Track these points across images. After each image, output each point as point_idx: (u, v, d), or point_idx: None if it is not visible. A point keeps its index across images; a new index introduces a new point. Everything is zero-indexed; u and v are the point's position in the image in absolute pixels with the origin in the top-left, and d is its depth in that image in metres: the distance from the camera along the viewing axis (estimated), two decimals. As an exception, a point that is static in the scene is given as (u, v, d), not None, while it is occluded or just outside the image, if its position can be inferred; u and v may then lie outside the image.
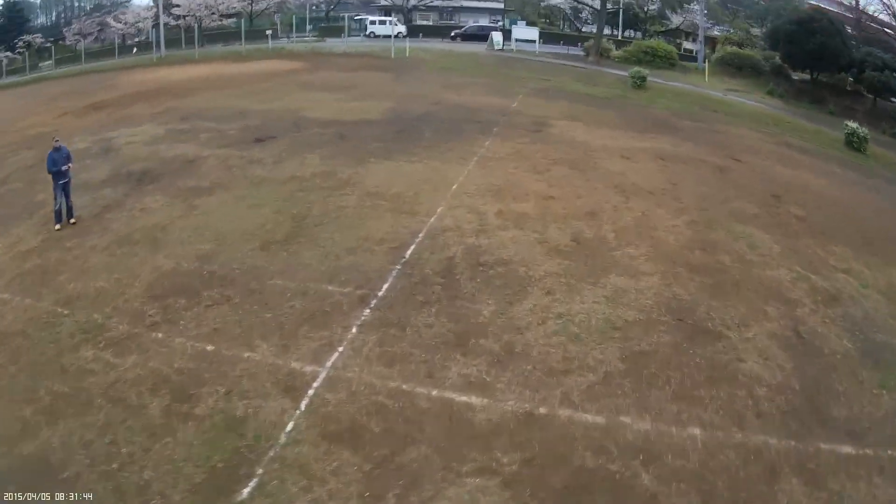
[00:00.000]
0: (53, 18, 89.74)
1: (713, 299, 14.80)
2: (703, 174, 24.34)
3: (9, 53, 69.59)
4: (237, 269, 15.35)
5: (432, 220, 17.76)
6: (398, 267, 15.30)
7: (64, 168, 18.04)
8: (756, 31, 65.99)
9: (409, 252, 15.97)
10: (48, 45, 68.99)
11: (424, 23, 70.48)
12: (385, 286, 14.53)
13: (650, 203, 20.19)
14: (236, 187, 20.51)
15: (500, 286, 14.51)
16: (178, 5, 60.80)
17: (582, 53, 56.01)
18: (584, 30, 71.79)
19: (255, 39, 58.00)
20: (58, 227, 17.98)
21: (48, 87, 51.03)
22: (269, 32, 56.86)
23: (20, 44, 70.23)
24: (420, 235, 16.83)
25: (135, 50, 62.54)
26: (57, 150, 18.12)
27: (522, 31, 57.38)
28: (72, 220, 18.27)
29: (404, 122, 28.57)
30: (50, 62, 64.12)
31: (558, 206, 19.23)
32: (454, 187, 20.20)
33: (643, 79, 43.35)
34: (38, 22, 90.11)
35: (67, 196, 18.33)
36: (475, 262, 15.47)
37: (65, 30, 74.20)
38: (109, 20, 67.08)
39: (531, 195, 19.92)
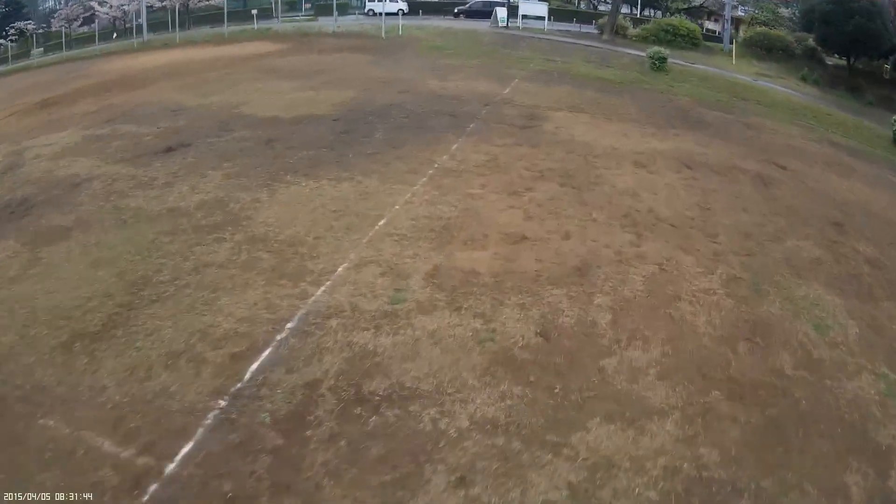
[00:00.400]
0: (63, 2, 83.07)
1: (766, 472, 7.82)
2: (741, 190, 17.26)
3: (1, 41, 63.37)
4: (16, 392, 8.82)
5: (320, 291, 10.86)
6: (222, 404, 8.41)
7: None
8: (784, 11, 57.45)
9: (254, 366, 9.07)
10: (40, 31, 62.31)
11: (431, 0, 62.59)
12: (185, 450, 7.70)
13: (672, 245, 13.26)
14: (98, 228, 13.84)
15: (376, 462, 7.56)
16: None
17: (596, 32, 48.06)
18: (600, 8, 63.20)
19: (246, 20, 50.82)
20: None
21: (23, 79, 44.97)
22: (254, 12, 49.80)
23: (12, 31, 63.87)
24: (288, 326, 9.94)
25: (115, 35, 55.89)
26: None
27: (530, 7, 49.46)
28: None
29: (357, 118, 21.65)
30: (39, 50, 57.65)
31: (530, 256, 12.28)
32: (380, 224, 13.39)
33: (663, 60, 35.80)
34: (47, 5, 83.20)
35: None
36: (354, 396, 8.54)
37: (53, 16, 67.56)
38: (94, 4, 59.92)
39: (493, 236, 13.06)
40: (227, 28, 49.02)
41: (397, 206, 14.17)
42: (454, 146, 18.54)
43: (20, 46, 61.36)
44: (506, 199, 14.87)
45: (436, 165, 16.83)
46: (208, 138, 19.88)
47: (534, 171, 16.91)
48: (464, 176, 16.17)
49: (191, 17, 54.86)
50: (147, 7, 53.63)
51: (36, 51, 58.29)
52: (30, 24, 64.75)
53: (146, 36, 51.24)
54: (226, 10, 50.72)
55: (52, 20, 64.83)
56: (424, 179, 15.81)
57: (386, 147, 18.36)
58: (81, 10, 59.66)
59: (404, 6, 54.58)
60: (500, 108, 23.56)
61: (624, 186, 16.24)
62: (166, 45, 47.39)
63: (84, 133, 22.03)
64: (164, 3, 53.40)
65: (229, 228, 13.44)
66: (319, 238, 12.71)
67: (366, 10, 55.23)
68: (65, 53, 54.36)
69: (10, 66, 56.29)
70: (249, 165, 17.11)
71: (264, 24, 49.96)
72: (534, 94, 26.63)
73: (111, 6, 56.97)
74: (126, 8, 55.56)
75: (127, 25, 56.35)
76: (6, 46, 62.13)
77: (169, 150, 19.02)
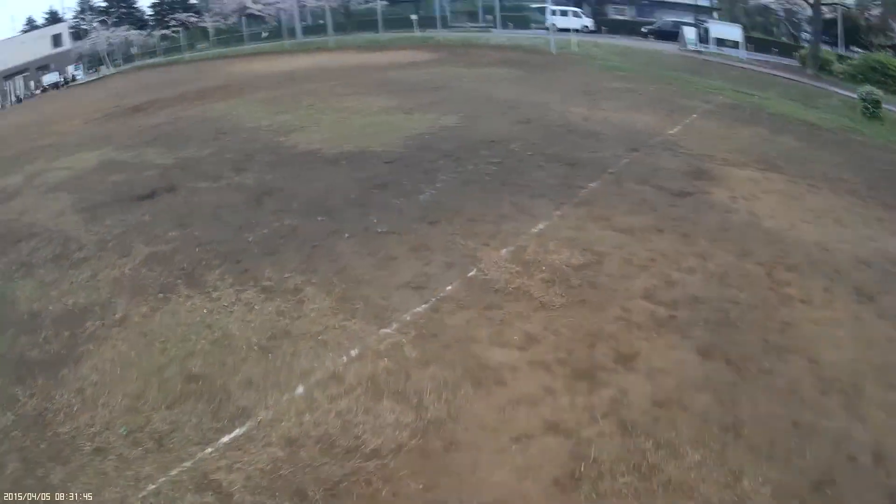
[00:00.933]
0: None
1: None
2: None
3: (165, 32, 60.77)
4: None
5: None
6: None
7: None
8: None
9: None
10: (203, 25, 58.70)
11: (620, 17, 52.99)
12: None
13: None
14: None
15: None
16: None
17: (797, 65, 36.89)
18: (801, 39, 50.48)
19: (413, 26, 44.28)
20: None
21: (150, 76, 43.63)
22: (413, 17, 43.13)
23: (173, 23, 61.07)
24: None
25: (263, 34, 51.35)
26: None
27: (722, 29, 39.04)
28: None
29: (422, 161, 14.03)
30: (204, 44, 54.39)
31: None
32: (223, 440, 6.10)
33: (877, 104, 24.50)
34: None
35: None
36: None
37: (206, 12, 64.02)
38: (247, 1, 55.40)
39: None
40: (383, 34, 42.84)
41: (300, 391, 6.59)
42: (538, 226, 10.38)
43: (185, 39, 58.56)
44: (558, 395, 6.60)
45: (470, 273, 8.85)
46: (203, 182, 13.96)
47: (661, 301, 8.37)
48: (506, 306, 8.05)
49: (353, 21, 48.82)
50: (302, 7, 48.52)
51: (201, 45, 55.05)
52: (191, 16, 61.81)
53: (300, 37, 46.35)
54: (380, 16, 44.47)
55: (206, 15, 61.41)
56: (420, 309, 7.96)
57: (417, 221, 10.64)
58: (236, 6, 55.17)
59: (589, 23, 46.45)
60: (652, 157, 14.75)
61: (836, 362, 7.39)
62: (317, 49, 42.72)
63: (107, 156, 18.04)
64: (320, 3, 47.70)
65: (39, 383, 7.44)
66: (100, 455, 6.07)
67: (547, 25, 47.19)
68: (213, 51, 51.11)
69: (158, 59, 54.86)
70: (192, 241, 10.67)
71: (430, 33, 43.29)
72: (712, 136, 17.43)
73: (265, 3, 52.04)
74: (281, 6, 50.35)
75: (291, 25, 51.11)
76: (174, 37, 59.67)
77: (151, 195, 13.65)
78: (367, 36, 44.06)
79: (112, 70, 57.70)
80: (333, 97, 22.26)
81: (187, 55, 51.48)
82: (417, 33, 42.19)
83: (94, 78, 54.79)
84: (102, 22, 67.38)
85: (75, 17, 72.62)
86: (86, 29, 68.84)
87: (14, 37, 63.46)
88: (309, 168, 13.91)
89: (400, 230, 10.18)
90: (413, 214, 10.84)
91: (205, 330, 7.76)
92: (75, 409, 6.74)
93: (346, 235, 10.11)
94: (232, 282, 8.91)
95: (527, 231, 10.12)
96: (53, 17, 72.19)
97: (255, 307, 8.18)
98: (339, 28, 46.82)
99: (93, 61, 61.82)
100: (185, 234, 10.97)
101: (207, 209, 12.08)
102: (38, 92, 55.40)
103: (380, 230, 10.24)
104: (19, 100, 54.05)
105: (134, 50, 59.14)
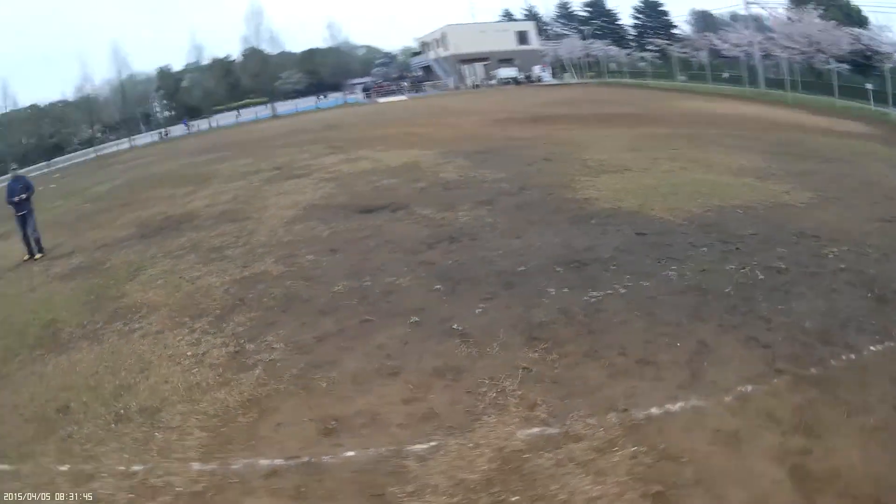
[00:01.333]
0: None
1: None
2: None
3: (644, 55, 58.55)
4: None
5: None
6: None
7: (16, 199, 13.28)
8: None
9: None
10: (678, 55, 55.19)
11: None
12: None
13: None
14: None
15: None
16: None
17: None
18: None
19: (877, 101, 35.35)
20: (26, 257, 13.20)
21: (599, 92, 43.97)
22: (868, 87, 34.47)
23: (651, 47, 58.58)
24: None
25: (724, 75, 46.17)
26: (16, 179, 13.79)
27: None
28: (36, 256, 13.19)
29: (685, 240, 9.73)
30: (682, 77, 51.73)
31: None
32: None
33: None
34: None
35: (25, 229, 13.36)
36: None
37: (678, 43, 59.14)
38: (713, 38, 49.36)
39: None
40: (839, 100, 35.01)
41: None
42: (671, 405, 5.49)
43: (660, 66, 55.90)
44: None
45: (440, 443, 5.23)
46: (428, 209, 12.75)
47: None
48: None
49: (820, 81, 40.91)
50: (768, 58, 42.97)
51: (680, 76, 52.20)
52: (669, 44, 58.48)
53: (762, 87, 41.12)
54: (835, 80, 36.70)
55: (677, 45, 57.09)
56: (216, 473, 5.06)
57: (524, 331, 7.01)
58: (707, 42, 50.42)
59: None
60: None
61: None
62: (774, 101, 36.85)
63: (420, 158, 18.32)
64: (783, 54, 41.39)
65: (32, 356, 7.77)
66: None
67: None
68: (676, 83, 47.86)
69: (625, 80, 53.52)
70: (303, 272, 9.69)
71: (889, 109, 34.54)
72: None
73: (731, 44, 46.42)
74: (748, 49, 44.74)
75: (756, 72, 45.07)
76: (645, 61, 57.49)
77: (375, 210, 13.08)
78: (824, 99, 36.88)
79: (575, 79, 58.00)
80: (706, 146, 18.72)
81: (651, 82, 49.56)
82: (872, 107, 33.79)
83: (557, 83, 55.76)
84: (579, 31, 68.21)
85: (555, 20, 75.24)
86: (556, 33, 70.70)
87: (475, 23, 66.47)
88: (545, 221, 11.20)
89: (478, 337, 6.82)
90: (536, 318, 7.26)
91: (139, 373, 6.79)
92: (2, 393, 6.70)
93: (414, 319, 7.42)
94: (239, 332, 7.50)
95: (640, 409, 5.45)
96: (530, 15, 75.21)
97: (195, 370, 6.67)
98: (806, 86, 40.39)
99: (557, 66, 63.13)
100: (316, 262, 9.91)
101: (378, 241, 10.79)
102: (492, 83, 57.74)
103: (455, 326, 7.20)
104: (476, 86, 56.90)
105: (612, 65, 58.86)
